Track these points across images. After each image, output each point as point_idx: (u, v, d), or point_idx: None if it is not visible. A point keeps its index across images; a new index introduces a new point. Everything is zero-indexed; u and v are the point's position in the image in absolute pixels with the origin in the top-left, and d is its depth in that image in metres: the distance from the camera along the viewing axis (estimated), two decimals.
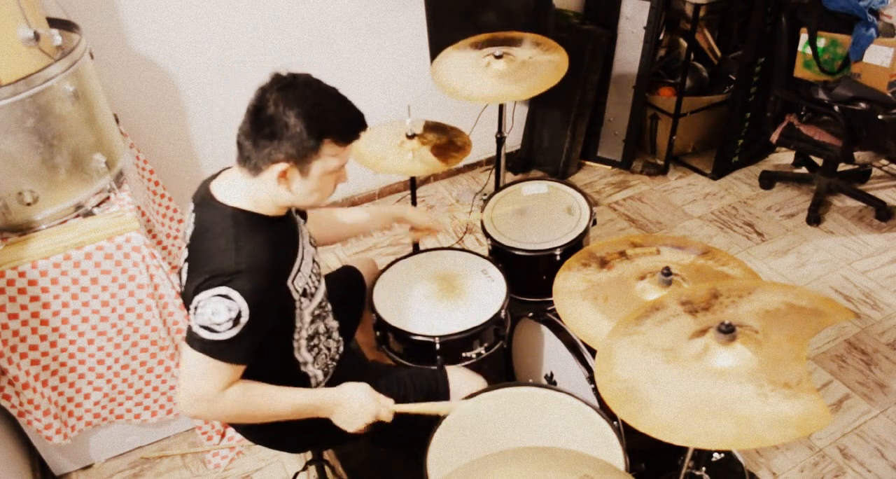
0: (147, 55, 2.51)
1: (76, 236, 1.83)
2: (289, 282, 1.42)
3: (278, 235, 1.43)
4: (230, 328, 1.28)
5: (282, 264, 1.41)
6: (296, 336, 1.49)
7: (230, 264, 1.30)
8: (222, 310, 1.27)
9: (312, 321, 1.52)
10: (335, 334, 1.66)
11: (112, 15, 2.38)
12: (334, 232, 1.84)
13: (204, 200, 1.42)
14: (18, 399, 1.91)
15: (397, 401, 1.55)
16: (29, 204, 1.80)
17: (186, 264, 1.39)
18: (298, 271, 1.45)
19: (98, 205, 1.94)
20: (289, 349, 1.51)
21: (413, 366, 1.88)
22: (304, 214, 1.70)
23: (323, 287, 1.58)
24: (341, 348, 1.70)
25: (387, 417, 1.51)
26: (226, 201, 1.39)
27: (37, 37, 1.71)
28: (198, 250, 1.37)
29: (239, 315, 1.28)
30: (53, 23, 1.93)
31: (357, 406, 1.48)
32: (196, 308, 1.30)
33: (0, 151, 1.70)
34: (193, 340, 1.31)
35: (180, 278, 1.44)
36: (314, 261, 1.57)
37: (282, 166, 1.32)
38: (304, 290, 1.47)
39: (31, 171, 1.77)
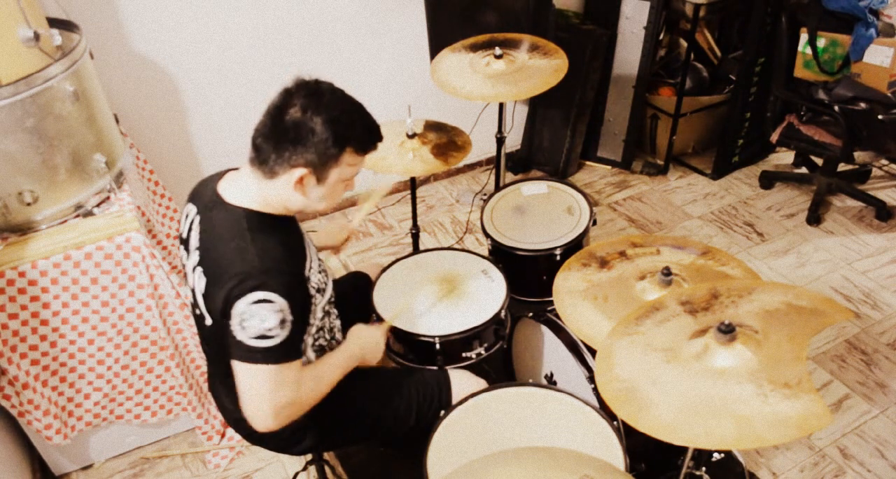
0: (147, 55, 2.51)
1: (76, 236, 1.83)
2: (306, 279, 1.43)
3: (289, 234, 1.43)
4: (282, 330, 1.29)
5: (298, 262, 1.42)
6: (306, 334, 1.50)
7: (256, 266, 1.29)
8: (269, 315, 1.27)
9: (322, 318, 1.53)
10: (338, 335, 1.66)
11: (112, 15, 2.38)
12: None
13: (212, 202, 1.41)
14: (18, 399, 1.91)
15: (401, 406, 1.64)
16: (29, 204, 1.80)
17: (200, 269, 1.38)
18: (310, 267, 1.46)
19: (98, 205, 1.94)
20: None
21: (415, 367, 1.88)
22: None
23: (331, 282, 1.58)
24: None
25: (386, 333, 1.71)
26: (237, 203, 1.38)
27: (37, 37, 1.71)
28: (214, 253, 1.36)
29: (284, 316, 1.29)
30: (53, 23, 1.93)
31: (370, 341, 1.63)
32: (242, 322, 1.28)
33: (0, 151, 1.70)
34: (253, 353, 1.29)
35: (189, 283, 1.44)
36: (318, 258, 1.57)
37: (301, 172, 1.33)
38: (318, 286, 1.48)
39: (31, 171, 1.77)
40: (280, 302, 1.28)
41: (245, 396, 1.33)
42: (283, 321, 1.29)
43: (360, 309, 1.94)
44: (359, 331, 1.64)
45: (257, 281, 1.27)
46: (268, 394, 1.32)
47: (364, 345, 1.61)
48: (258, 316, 1.26)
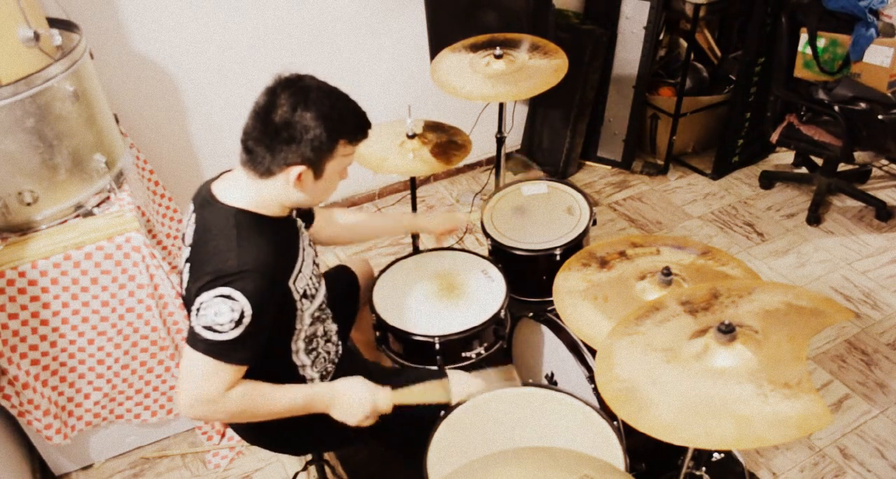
0: (147, 55, 2.51)
1: (76, 236, 1.83)
2: (290, 282, 1.42)
3: (280, 235, 1.43)
4: (233, 329, 1.28)
5: (283, 265, 1.41)
6: (294, 339, 1.49)
7: (232, 265, 1.30)
8: (225, 311, 1.27)
9: (312, 323, 1.52)
10: (334, 338, 1.65)
11: (112, 15, 2.38)
12: (350, 234, 1.88)
13: (205, 201, 1.42)
14: (18, 399, 1.91)
15: (399, 408, 1.55)
16: (29, 204, 1.80)
17: (188, 265, 1.39)
18: (299, 271, 1.45)
19: (98, 205, 1.94)
20: (287, 352, 1.50)
21: (413, 368, 1.88)
22: (309, 217, 1.70)
23: (323, 289, 1.58)
24: (340, 352, 1.69)
25: (386, 407, 1.50)
26: (228, 202, 1.39)
27: (37, 37, 1.71)
28: (199, 250, 1.37)
29: (242, 316, 1.28)
30: (53, 23, 1.93)
31: (352, 399, 1.47)
32: (198, 309, 1.29)
33: (0, 151, 1.70)
34: (196, 341, 1.30)
35: (181, 279, 1.44)
36: (314, 263, 1.57)
37: (298, 169, 1.33)
38: (305, 291, 1.47)
39: (31, 171, 1.77)
40: (242, 302, 1.28)
41: (179, 376, 1.35)
42: (236, 322, 1.28)
43: (345, 306, 1.94)
44: (349, 384, 1.50)
45: (228, 279, 1.28)
46: (193, 381, 1.32)
47: (340, 396, 1.47)
48: (214, 308, 1.28)
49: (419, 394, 1.55)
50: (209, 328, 1.28)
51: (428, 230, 1.99)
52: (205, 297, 1.29)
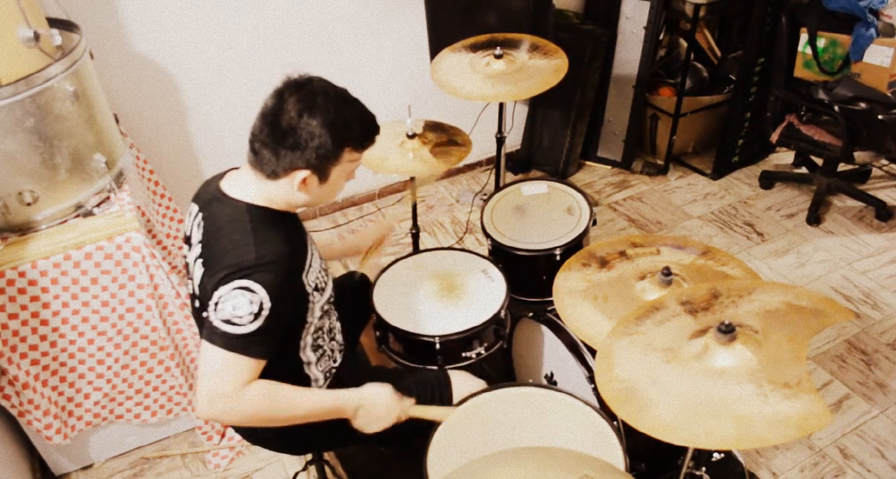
0: (147, 55, 2.51)
1: (76, 236, 1.83)
2: (303, 276, 1.43)
3: (291, 230, 1.44)
4: (252, 321, 1.28)
5: (297, 258, 1.42)
6: (303, 334, 1.50)
7: (251, 258, 1.30)
8: (244, 303, 1.27)
9: (321, 317, 1.53)
10: (338, 336, 1.66)
11: (112, 15, 2.38)
12: None
13: (214, 198, 1.42)
14: (18, 399, 1.91)
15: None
16: (29, 204, 1.80)
17: (200, 261, 1.39)
18: (310, 265, 1.46)
19: (98, 205, 1.94)
20: (294, 348, 1.51)
21: (415, 368, 1.88)
22: None
23: (331, 282, 1.58)
24: (343, 351, 1.69)
25: (405, 418, 1.51)
26: (239, 198, 1.40)
27: (37, 37, 1.71)
28: (214, 246, 1.37)
29: (261, 308, 1.28)
30: (53, 23, 1.93)
31: (381, 408, 1.47)
32: (217, 303, 1.29)
33: (0, 151, 1.70)
34: (214, 336, 1.29)
35: (190, 277, 1.44)
36: (320, 257, 1.57)
37: (303, 174, 1.34)
38: (316, 284, 1.48)
39: (31, 171, 1.77)
40: (261, 295, 1.28)
41: (197, 374, 1.34)
42: (255, 314, 1.28)
43: (357, 309, 1.94)
44: (377, 392, 1.49)
45: (247, 272, 1.28)
46: (212, 377, 1.30)
47: (368, 404, 1.46)
48: (233, 301, 1.27)
49: (435, 414, 1.55)
50: (228, 322, 1.28)
51: (356, 249, 1.97)
52: (223, 290, 1.28)
